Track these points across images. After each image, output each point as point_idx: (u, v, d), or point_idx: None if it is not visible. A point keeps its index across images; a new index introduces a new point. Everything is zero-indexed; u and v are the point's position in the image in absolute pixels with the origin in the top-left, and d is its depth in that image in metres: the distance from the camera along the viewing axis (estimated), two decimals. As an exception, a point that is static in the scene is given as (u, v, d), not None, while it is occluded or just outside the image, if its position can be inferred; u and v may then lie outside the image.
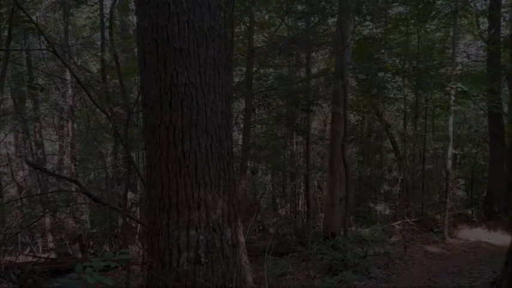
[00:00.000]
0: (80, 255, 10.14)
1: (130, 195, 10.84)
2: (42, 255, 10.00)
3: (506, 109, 13.00)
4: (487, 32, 12.25)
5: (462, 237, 10.02)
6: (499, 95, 11.32)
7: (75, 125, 12.56)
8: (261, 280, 7.22)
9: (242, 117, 12.54)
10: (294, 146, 12.78)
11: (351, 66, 8.96)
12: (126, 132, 4.79)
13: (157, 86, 3.42)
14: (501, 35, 11.86)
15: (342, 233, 8.15)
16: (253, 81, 8.08)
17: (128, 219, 9.15)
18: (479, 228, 10.58)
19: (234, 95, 8.55)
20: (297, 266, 8.25)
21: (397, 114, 15.92)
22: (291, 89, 8.06)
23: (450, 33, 12.29)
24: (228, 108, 3.80)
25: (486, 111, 13.13)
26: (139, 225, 9.72)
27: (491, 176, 12.47)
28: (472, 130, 15.23)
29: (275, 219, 14.24)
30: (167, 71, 3.39)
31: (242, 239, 3.75)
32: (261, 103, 7.61)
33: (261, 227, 13.45)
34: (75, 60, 11.64)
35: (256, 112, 14.10)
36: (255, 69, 7.92)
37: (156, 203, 3.50)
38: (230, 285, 3.40)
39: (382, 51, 12.10)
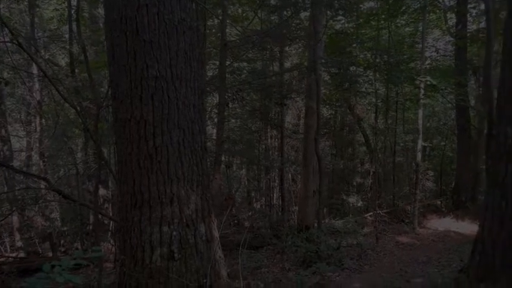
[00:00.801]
0: (50, 254, 9.89)
1: (102, 191, 10.61)
2: (11, 255, 9.70)
3: (472, 102, 13.43)
4: (454, 27, 12.58)
5: (431, 227, 10.32)
6: (465, 89, 11.68)
7: (43, 120, 12.17)
8: (235, 274, 7.23)
9: (216, 111, 12.47)
10: (269, 140, 12.82)
11: (323, 61, 9.03)
12: (96, 128, 4.68)
13: (127, 80, 3.35)
14: (468, 30, 12.21)
15: (316, 225, 8.25)
16: (227, 75, 8.04)
17: (99, 216, 8.98)
18: (447, 218, 10.93)
19: (208, 89, 8.48)
20: (272, 259, 8.31)
21: (369, 108, 16.20)
22: (265, 83, 8.07)
23: (419, 28, 12.56)
24: (201, 102, 3.76)
25: (454, 105, 13.53)
26: (111, 222, 9.54)
27: (458, 168, 12.89)
28: (441, 123, 15.68)
29: (250, 213, 14.27)
30: (137, 64, 3.31)
31: (216, 233, 3.73)
32: (234, 97, 7.57)
33: (236, 221, 13.45)
34: (43, 53, 11.26)
35: (230, 106, 14.07)
36: (228, 63, 7.87)
37: (128, 199, 3.44)
38: (204, 280, 3.38)
39: (354, 45, 12.25)
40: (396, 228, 10.32)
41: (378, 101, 14.75)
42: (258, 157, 13.26)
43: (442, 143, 15.82)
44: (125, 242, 3.49)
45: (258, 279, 6.71)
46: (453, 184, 14.13)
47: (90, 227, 10.48)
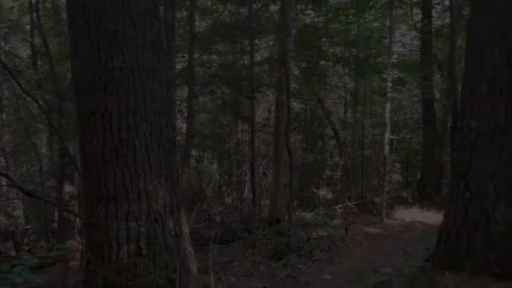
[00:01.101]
0: (13, 253, 9.53)
1: (68, 188, 10.30)
2: (-30, 255, 9.28)
3: (438, 96, 13.82)
4: (420, 23, 12.89)
5: (398, 218, 10.59)
6: (431, 83, 12.00)
7: (4, 115, 11.66)
8: (206, 269, 7.18)
9: (186, 105, 12.30)
10: (239, 134, 12.77)
11: (293, 54, 9.05)
12: (60, 122, 4.49)
13: (91, 71, 3.22)
14: (433, 25, 12.53)
15: (287, 218, 8.29)
16: (197, 68, 7.92)
17: (65, 213, 8.71)
18: (414, 209, 11.24)
19: (177, 82, 8.34)
20: (243, 253, 8.30)
21: (338, 102, 16.41)
22: (235, 76, 8.00)
23: (387, 23, 12.78)
24: (169, 95, 3.68)
25: (420, 98, 13.90)
26: (77, 219, 9.28)
27: (424, 160, 13.26)
28: (407, 116, 16.07)
29: (221, 208, 14.23)
30: (101, 55, 3.19)
31: (186, 229, 3.67)
32: (204, 90, 7.47)
33: (207, 216, 13.39)
34: (2, 45, 10.75)
35: (200, 100, 13.91)
36: (197, 55, 7.76)
37: (93, 195, 3.32)
38: (174, 276, 3.32)
39: (324, 39, 12.35)
40: (365, 220, 10.52)
41: (347, 95, 14.99)
42: (228, 151, 13.21)
43: (409, 136, 16.24)
44: (91, 239, 3.39)
45: (229, 274, 6.70)
46: (419, 176, 14.56)
47: (56, 225, 10.17)
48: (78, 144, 3.68)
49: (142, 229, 3.26)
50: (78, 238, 9.12)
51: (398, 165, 16.27)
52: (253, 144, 9.71)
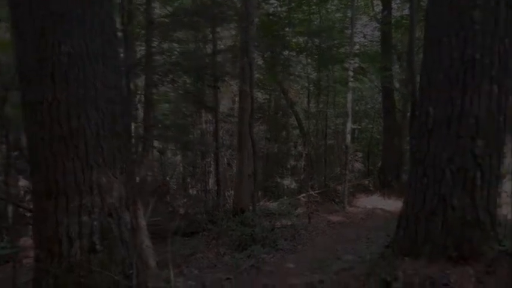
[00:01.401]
0: (-38, 253, 8.96)
1: (22, 182, 9.79)
2: None
3: (397, 85, 14.14)
4: (380, 14, 13.08)
5: (360, 206, 10.79)
6: (391, 72, 12.24)
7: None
8: (168, 262, 7.03)
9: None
10: (203, 124, 12.57)
11: (256, 44, 8.95)
12: (3, 112, 4.19)
13: (36, 57, 2.98)
14: (393, 16, 12.75)
15: (251, 208, 8.25)
16: (157, 57, 7.66)
17: (20, 209, 8.26)
18: (375, 196, 11.48)
19: (138, 71, 8.04)
20: (207, 245, 8.19)
21: (301, 92, 16.52)
22: (197, 65, 7.80)
23: (348, 14, 12.88)
24: (126, 82, 3.49)
25: (380, 88, 14.18)
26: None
27: (384, 149, 13.57)
28: (368, 106, 16.38)
29: (185, 200, 14.02)
30: (47, 40, 2.96)
31: (143, 222, 3.53)
32: (164, 79, 7.23)
33: (170, 208, 13.16)
34: None
35: (162, 89, 13.57)
36: (156, 43, 7.50)
37: (42, 189, 3.11)
38: (130, 271, 3.17)
39: (287, 29, 12.32)
40: (328, 208, 10.65)
41: (310, 85, 15.09)
42: (192, 142, 12.99)
43: (370, 126, 16.59)
44: (40, 235, 3.18)
45: (192, 266, 6.58)
46: (380, 164, 14.92)
47: (10, 221, 9.67)
48: (25, 135, 3.44)
49: (95, 223, 3.08)
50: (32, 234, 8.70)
51: (360, 154, 16.63)
52: (217, 134, 9.56)
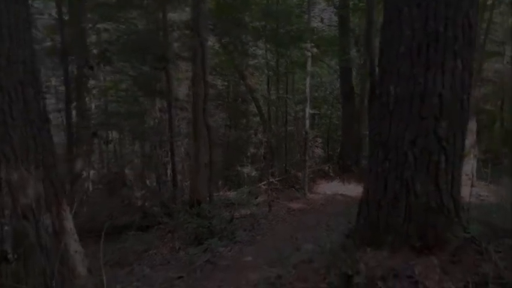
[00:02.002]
0: None
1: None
2: None
3: (355, 71, 14.00)
4: (338, -2, 12.83)
5: (321, 192, 10.59)
6: (349, 56, 12.05)
7: None
8: (117, 261, 6.50)
9: (99, 83, 11.15)
10: (157, 112, 11.90)
11: (209, 23, 8.41)
12: None
13: None
14: (350, 1, 12.51)
15: (208, 199, 7.80)
16: (93, 36, 6.95)
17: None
18: (335, 182, 11.33)
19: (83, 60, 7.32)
20: (162, 239, 7.70)
21: (261, 79, 16.14)
22: (143, 45, 7.16)
23: (306, -2, 12.52)
24: (34, 60, 2.88)
25: (338, 74, 14.00)
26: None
27: (344, 134, 13.44)
28: (327, 92, 16.19)
29: (143, 191, 13.38)
30: None
31: (69, 224, 3.00)
32: (99, 61, 6.56)
33: (127, 201, 12.51)
34: None
35: (115, 77, 12.75)
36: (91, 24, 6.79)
37: None
38: (52, 282, 2.67)
39: (244, 13, 11.81)
40: (288, 195, 10.38)
41: (269, 72, 14.71)
42: (147, 131, 12.33)
43: (329, 112, 16.43)
44: None
45: (144, 264, 6.09)
46: (339, 150, 14.85)
47: None
48: None
49: (6, 228, 2.54)
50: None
51: (319, 140, 16.50)
52: (172, 122, 8.98)
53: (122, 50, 6.61)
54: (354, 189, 10.74)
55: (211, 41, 13.60)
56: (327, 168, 14.01)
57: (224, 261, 5.45)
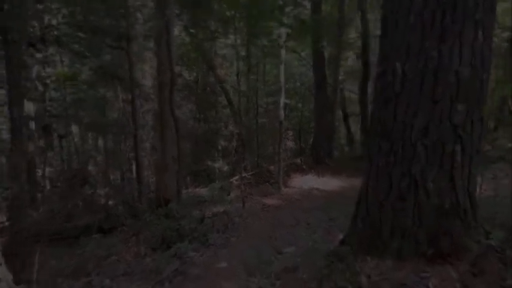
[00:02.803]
0: None
1: None
2: None
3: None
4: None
5: (296, 186, 10.04)
6: (323, 44, 11.53)
7: None
8: (57, 273, 5.67)
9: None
10: (121, 103, 10.97)
11: (177, 11, 7.62)
12: None
13: None
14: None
15: (177, 197, 7.07)
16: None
17: None
18: (309, 175, 10.81)
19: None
20: (126, 243, 6.91)
21: (231, 71, 15.40)
22: (104, 27, 6.30)
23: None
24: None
25: (311, 64, 13.47)
26: None
27: (317, 125, 12.95)
28: (298, 84, 15.61)
29: (106, 189, 12.45)
30: None
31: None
32: (41, 36, 5.66)
33: (89, 200, 11.55)
34: None
35: (78, 68, 11.68)
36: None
37: None
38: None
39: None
40: (262, 190, 9.76)
41: (239, 62, 13.99)
42: (110, 124, 11.40)
43: (299, 105, 15.85)
44: None
45: (104, 274, 5.31)
46: (311, 141, 14.38)
47: None
48: None
49: None
50: None
51: (290, 133, 15.97)
52: (135, 113, 8.13)
53: (77, 31, 5.73)
54: (329, 183, 10.27)
55: (178, 30, 12.76)
56: (299, 161, 13.52)
57: (195, 269, 4.77)
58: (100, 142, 16.42)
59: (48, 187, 11.78)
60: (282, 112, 9.34)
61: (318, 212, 7.20)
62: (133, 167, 12.20)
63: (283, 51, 9.01)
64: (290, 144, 15.90)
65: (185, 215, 6.75)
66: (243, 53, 14.17)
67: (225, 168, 11.16)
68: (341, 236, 5.15)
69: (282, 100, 9.16)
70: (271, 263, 4.42)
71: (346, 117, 17.94)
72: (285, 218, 7.12)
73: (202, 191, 9.41)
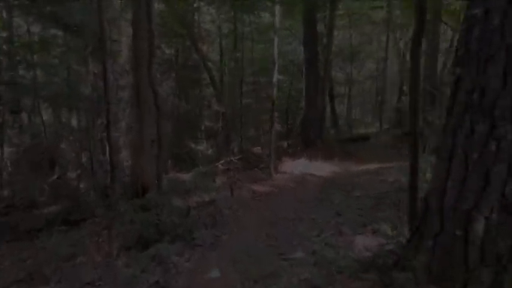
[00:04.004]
0: None
1: None
2: None
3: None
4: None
5: (286, 171, 9.05)
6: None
7: None
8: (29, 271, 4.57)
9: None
10: (92, 76, 9.59)
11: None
12: None
13: None
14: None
15: (157, 185, 5.95)
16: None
17: None
18: (301, 160, 9.82)
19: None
20: (95, 238, 5.77)
21: (213, 48, 14.16)
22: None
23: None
24: None
25: (301, 41, 12.37)
26: None
27: (307, 104, 11.92)
28: (287, 60, 14.42)
29: (79, 171, 11.17)
30: None
31: None
32: None
33: (56, 184, 10.30)
34: None
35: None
36: None
37: None
38: None
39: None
40: (251, 176, 8.74)
41: (223, 39, 12.81)
42: (81, 99, 10.06)
43: (285, 85, 14.74)
44: None
45: (65, 279, 4.21)
46: (299, 121, 13.41)
47: None
48: None
49: None
50: None
51: (276, 114, 14.93)
52: (107, 86, 6.86)
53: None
54: (322, 167, 9.34)
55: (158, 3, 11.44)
56: (287, 144, 12.56)
57: (181, 279, 3.73)
58: (73, 121, 15.00)
59: (9, 169, 10.42)
60: (275, 90, 8.25)
61: (317, 202, 6.24)
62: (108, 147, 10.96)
63: (276, 19, 7.85)
64: (275, 125, 14.88)
65: (165, 206, 5.65)
66: (227, 29, 12.99)
67: (209, 151, 10.05)
68: (355, 238, 4.27)
69: (275, 77, 8.06)
70: (278, 275, 3.43)
71: (332, 98, 16.97)
72: (281, 210, 6.13)
73: (185, 176, 8.33)
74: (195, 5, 11.54)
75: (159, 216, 5.08)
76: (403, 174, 5.74)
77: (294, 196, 7.00)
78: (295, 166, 9.36)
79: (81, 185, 10.04)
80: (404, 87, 17.85)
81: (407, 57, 16.14)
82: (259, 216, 5.95)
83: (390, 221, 4.48)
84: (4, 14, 10.05)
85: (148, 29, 5.69)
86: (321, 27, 12.82)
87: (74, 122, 14.81)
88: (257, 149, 12.59)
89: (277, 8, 7.74)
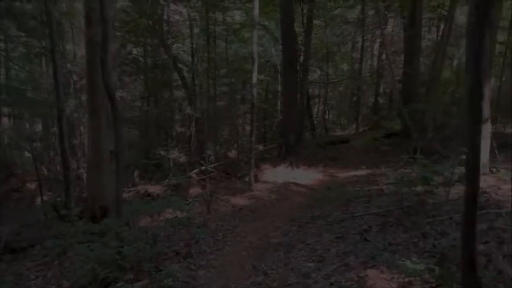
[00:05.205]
0: None
1: None
2: None
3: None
4: None
5: (268, 180, 8.08)
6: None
7: None
8: None
9: None
10: (47, 78, 8.32)
11: None
12: None
13: None
14: None
15: (117, 207, 4.80)
16: None
17: None
18: (282, 166, 8.86)
19: None
20: (43, 271, 4.63)
21: (184, 48, 13.07)
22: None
23: None
24: None
25: (279, 41, 11.46)
26: None
27: (286, 108, 10.93)
28: (263, 60, 13.47)
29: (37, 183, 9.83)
30: None
31: None
32: None
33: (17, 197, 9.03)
34: None
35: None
36: None
37: None
38: None
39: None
40: (229, 186, 7.75)
41: (194, 39, 11.75)
42: (37, 104, 8.74)
43: (260, 86, 13.78)
44: None
45: None
46: (277, 125, 12.53)
47: None
48: None
49: None
50: None
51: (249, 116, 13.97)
52: (58, 88, 5.68)
53: None
54: (306, 175, 8.44)
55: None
56: (262, 147, 11.60)
57: None
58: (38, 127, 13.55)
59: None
60: (254, 90, 7.26)
61: (309, 220, 5.26)
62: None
63: (255, 12, 6.87)
64: (249, 129, 13.90)
65: (129, 232, 4.55)
66: (198, 27, 11.96)
67: (182, 159, 8.93)
68: (367, 273, 3.34)
69: (255, 76, 7.08)
70: None
71: (308, 99, 16.14)
72: (267, 231, 5.14)
73: (154, 189, 7.22)
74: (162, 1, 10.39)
75: (120, 246, 3.97)
76: (403, 184, 4.85)
77: (281, 212, 6.03)
78: (277, 174, 8.41)
79: (39, 200, 8.75)
80: (381, 88, 17.34)
81: (383, 57, 15.60)
82: (243, 240, 4.94)
83: (406, 248, 3.59)
84: None
85: (101, 11, 4.48)
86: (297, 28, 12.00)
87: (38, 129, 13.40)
88: (232, 154, 11.60)
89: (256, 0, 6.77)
